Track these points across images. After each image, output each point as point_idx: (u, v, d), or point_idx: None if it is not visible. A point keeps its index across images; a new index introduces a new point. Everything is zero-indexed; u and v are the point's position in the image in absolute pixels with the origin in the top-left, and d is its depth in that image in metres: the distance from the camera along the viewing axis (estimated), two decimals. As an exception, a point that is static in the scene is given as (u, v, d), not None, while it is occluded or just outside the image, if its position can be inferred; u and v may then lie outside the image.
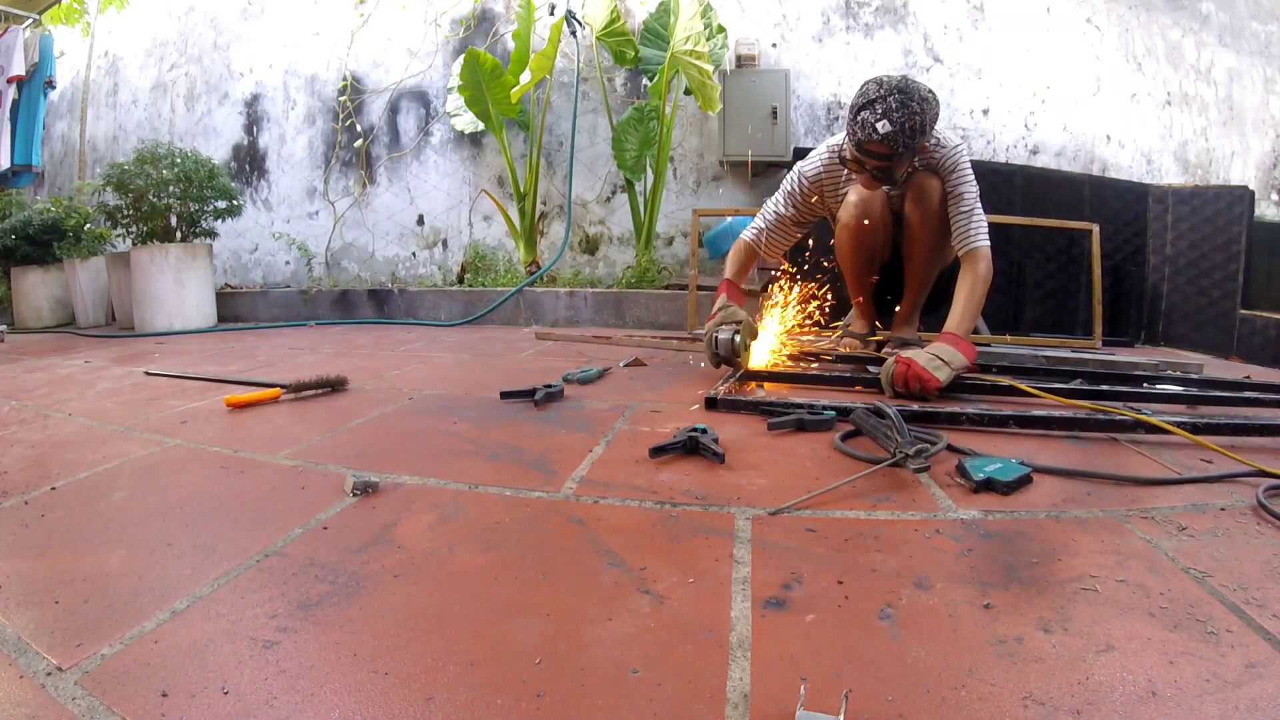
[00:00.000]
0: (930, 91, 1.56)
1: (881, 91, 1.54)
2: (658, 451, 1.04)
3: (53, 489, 0.97)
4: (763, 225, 1.94)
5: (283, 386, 1.56)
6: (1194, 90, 3.52)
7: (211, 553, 0.74)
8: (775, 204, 1.95)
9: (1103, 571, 0.66)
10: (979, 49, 3.61)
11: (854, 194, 1.87)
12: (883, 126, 1.52)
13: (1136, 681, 0.49)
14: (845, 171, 1.87)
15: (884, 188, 1.80)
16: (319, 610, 0.61)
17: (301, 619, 0.60)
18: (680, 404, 1.44)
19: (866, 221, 1.87)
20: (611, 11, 3.54)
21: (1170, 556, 0.70)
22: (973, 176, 1.75)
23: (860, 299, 2.19)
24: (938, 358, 1.51)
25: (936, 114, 1.59)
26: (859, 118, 1.57)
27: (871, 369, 1.76)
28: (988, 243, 1.72)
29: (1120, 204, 2.93)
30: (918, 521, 0.79)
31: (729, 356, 1.68)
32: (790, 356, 1.97)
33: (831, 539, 0.75)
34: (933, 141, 1.75)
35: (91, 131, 5.05)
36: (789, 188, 1.94)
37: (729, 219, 3.54)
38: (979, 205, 1.74)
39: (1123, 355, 2.23)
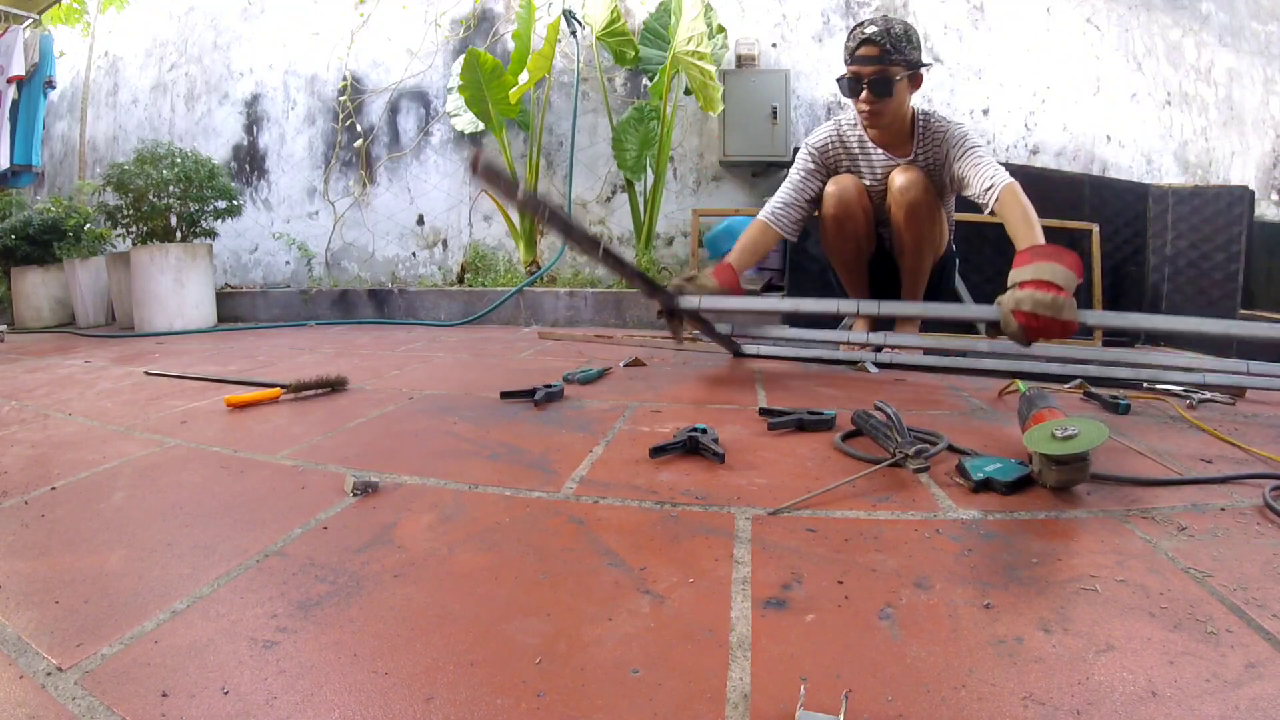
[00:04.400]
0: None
1: (868, 16, 1.85)
2: (658, 451, 1.04)
3: (53, 489, 0.97)
4: (779, 201, 1.93)
5: (283, 386, 1.56)
6: (1194, 90, 3.52)
7: (211, 553, 0.74)
8: (792, 184, 1.95)
9: (1103, 571, 0.66)
10: (979, 49, 3.62)
11: (831, 184, 1.90)
12: (869, 28, 1.69)
13: (1136, 681, 0.49)
14: (854, 138, 1.89)
15: (864, 181, 1.89)
16: (319, 610, 0.61)
17: (301, 619, 0.60)
18: (680, 404, 1.44)
19: (844, 208, 1.90)
20: (611, 11, 3.54)
21: (1170, 556, 0.70)
22: (979, 138, 1.79)
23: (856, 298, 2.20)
24: (1054, 286, 1.29)
25: (918, 38, 1.76)
26: (850, 35, 1.75)
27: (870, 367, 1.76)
28: (1008, 179, 1.67)
29: (1120, 204, 2.93)
30: (918, 521, 0.79)
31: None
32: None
33: (831, 539, 0.75)
34: (939, 117, 1.82)
35: (91, 131, 5.05)
36: (800, 162, 1.96)
37: (729, 219, 3.54)
38: (993, 159, 1.73)
39: (1123, 355, 2.22)
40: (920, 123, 1.82)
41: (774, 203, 1.93)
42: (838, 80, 1.80)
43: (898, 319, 2.10)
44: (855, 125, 1.89)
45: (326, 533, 0.79)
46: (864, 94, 1.73)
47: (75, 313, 4.14)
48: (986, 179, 1.65)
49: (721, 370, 1.86)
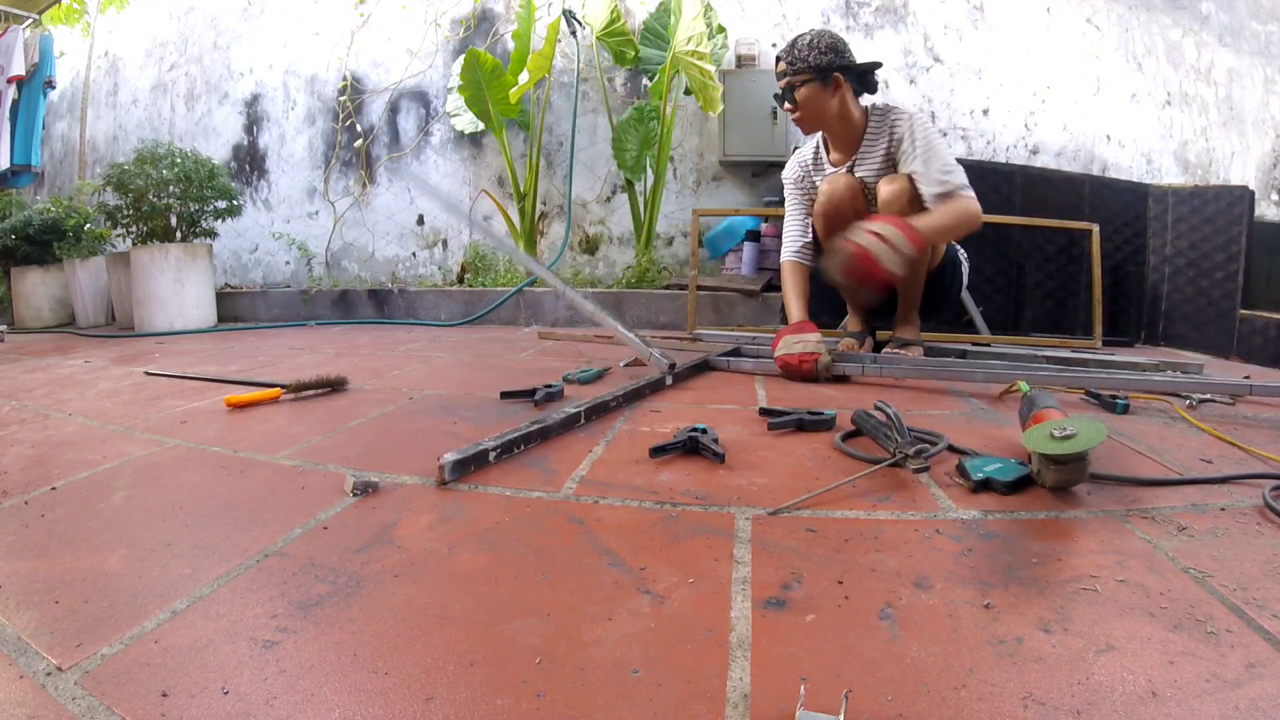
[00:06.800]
0: (835, 35, 1.84)
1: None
2: (658, 451, 1.04)
3: (53, 489, 0.97)
4: (792, 236, 2.07)
5: (283, 386, 1.56)
6: (1194, 90, 3.52)
7: (211, 553, 0.74)
8: (790, 216, 2.10)
9: (1103, 571, 0.66)
10: (979, 49, 3.61)
11: (824, 183, 1.97)
12: (781, 51, 1.87)
13: (1136, 681, 0.49)
14: (810, 156, 2.05)
15: (849, 174, 1.94)
16: (319, 610, 0.61)
17: (301, 619, 0.60)
18: (679, 404, 1.44)
19: (833, 206, 1.94)
20: (611, 11, 3.54)
21: (1170, 556, 0.70)
22: (938, 132, 1.85)
23: (849, 297, 2.20)
24: (883, 240, 1.53)
25: (835, 42, 1.82)
26: None
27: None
28: (970, 191, 1.74)
29: (1120, 204, 2.93)
30: (918, 521, 0.79)
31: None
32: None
33: (831, 539, 0.75)
34: (889, 106, 1.88)
35: (91, 131, 5.05)
36: (788, 194, 2.11)
37: (729, 219, 3.54)
38: (944, 156, 1.76)
39: (1123, 355, 2.23)
40: (874, 120, 1.89)
41: (790, 241, 2.07)
42: (774, 96, 2.02)
43: (896, 317, 2.10)
44: (810, 147, 2.05)
45: (326, 533, 0.79)
46: (785, 105, 1.89)
47: (75, 313, 4.14)
48: (939, 179, 1.72)
49: (722, 370, 1.86)
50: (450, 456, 0.95)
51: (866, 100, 1.91)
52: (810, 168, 2.05)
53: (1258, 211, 2.95)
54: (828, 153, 2.00)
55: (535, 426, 1.12)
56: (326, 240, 4.50)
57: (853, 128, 1.89)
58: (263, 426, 1.30)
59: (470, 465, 0.98)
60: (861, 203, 1.94)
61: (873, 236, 1.54)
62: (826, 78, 1.80)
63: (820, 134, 2.00)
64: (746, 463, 1.02)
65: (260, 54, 4.57)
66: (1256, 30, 3.50)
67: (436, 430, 1.24)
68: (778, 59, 1.87)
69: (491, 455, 1.01)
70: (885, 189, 1.83)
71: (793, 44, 1.84)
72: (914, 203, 1.78)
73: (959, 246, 2.09)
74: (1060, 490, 0.87)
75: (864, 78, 1.86)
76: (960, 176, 1.74)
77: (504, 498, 0.89)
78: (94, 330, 3.71)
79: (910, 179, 1.78)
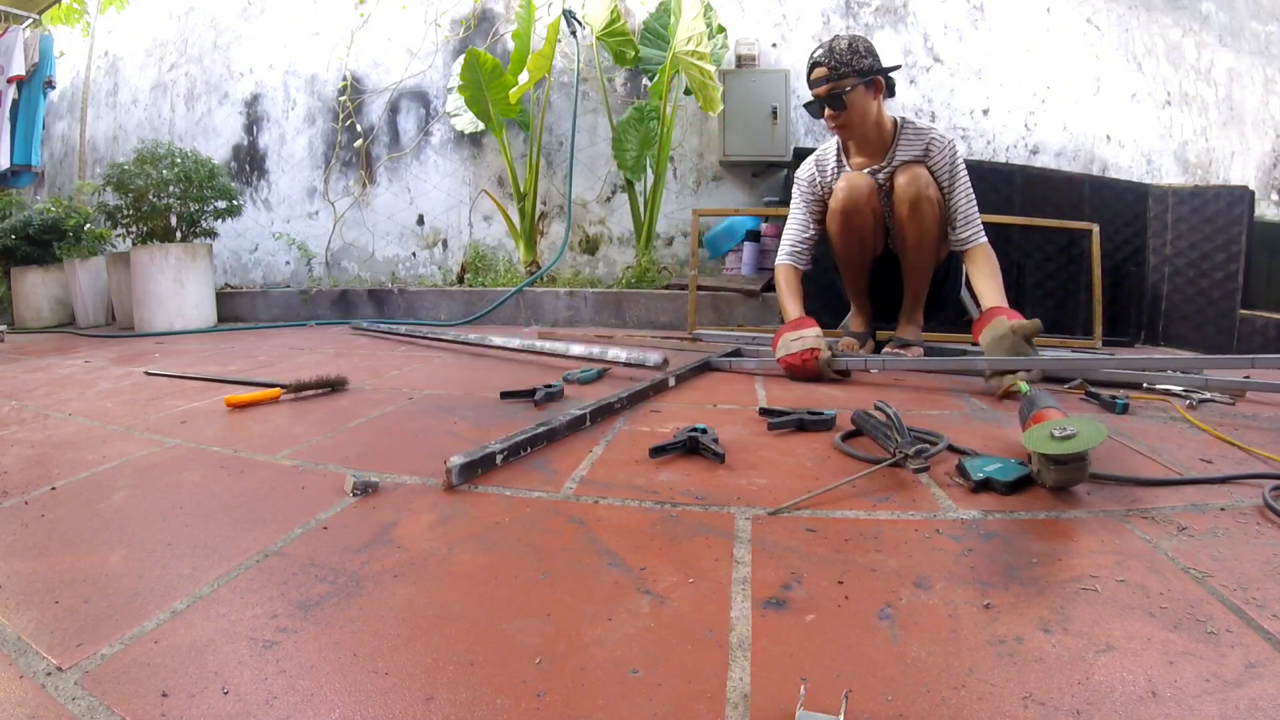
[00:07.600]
0: (867, 39, 1.90)
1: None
2: (658, 451, 1.04)
3: (53, 489, 0.97)
4: (791, 238, 2.06)
5: (283, 386, 1.56)
6: (1194, 90, 3.52)
7: (211, 553, 0.74)
8: (793, 217, 2.08)
9: (1103, 571, 0.66)
10: (979, 49, 3.61)
11: (842, 180, 1.97)
12: (816, 53, 1.87)
13: (1136, 681, 0.49)
14: (832, 161, 2.03)
15: (869, 175, 1.95)
16: (319, 610, 0.61)
17: (301, 619, 0.60)
18: (679, 404, 1.44)
19: (853, 203, 1.95)
20: (611, 11, 3.53)
21: (1170, 556, 0.70)
22: (965, 169, 1.92)
23: (856, 297, 2.20)
24: (1018, 337, 1.57)
25: (870, 45, 1.86)
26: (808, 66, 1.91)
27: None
28: (986, 238, 1.90)
29: (1120, 204, 2.93)
30: (918, 521, 0.79)
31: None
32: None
33: (831, 539, 0.75)
34: (925, 124, 1.93)
35: (91, 131, 5.05)
36: (796, 195, 2.08)
37: (729, 219, 3.54)
38: (974, 201, 1.90)
39: (1123, 355, 2.22)
40: (908, 133, 1.92)
41: (788, 244, 2.05)
42: (804, 106, 1.97)
43: (900, 314, 2.10)
44: (831, 150, 2.03)
45: (326, 533, 0.79)
46: (825, 111, 1.88)
47: (75, 313, 4.14)
48: (968, 225, 1.88)
49: (722, 370, 1.86)
50: (457, 460, 0.94)
51: (891, 109, 1.92)
52: (831, 172, 2.02)
53: (1258, 211, 2.96)
54: (848, 158, 2.00)
55: (541, 429, 1.11)
56: (326, 240, 4.50)
57: (884, 132, 1.92)
58: (263, 426, 1.30)
59: (477, 469, 0.97)
60: (879, 202, 1.96)
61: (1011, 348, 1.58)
62: (869, 81, 1.83)
63: (838, 140, 2.00)
64: (746, 463, 1.02)
65: (260, 54, 4.57)
66: (1256, 30, 3.50)
67: (437, 430, 1.24)
68: (815, 64, 1.86)
69: (498, 458, 1.01)
70: (902, 177, 1.87)
71: (831, 49, 1.83)
72: (928, 187, 1.86)
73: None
74: (1060, 490, 0.87)
75: (889, 80, 1.89)
76: (982, 228, 1.89)
77: (504, 498, 0.89)
78: (94, 330, 3.70)
79: (925, 169, 1.87)
